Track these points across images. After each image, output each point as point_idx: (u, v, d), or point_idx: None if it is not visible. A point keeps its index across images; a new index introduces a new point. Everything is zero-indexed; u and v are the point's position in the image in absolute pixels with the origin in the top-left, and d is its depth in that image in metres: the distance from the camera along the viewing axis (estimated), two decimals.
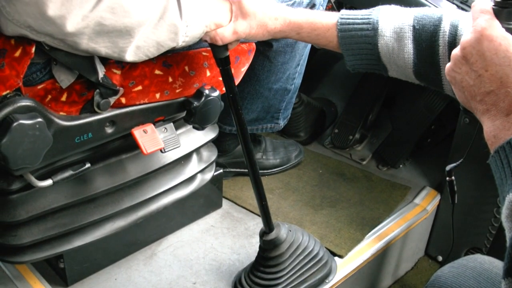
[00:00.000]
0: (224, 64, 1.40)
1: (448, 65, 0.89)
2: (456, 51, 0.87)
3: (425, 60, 1.21)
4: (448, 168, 1.42)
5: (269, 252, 1.63)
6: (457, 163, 1.38)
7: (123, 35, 1.14)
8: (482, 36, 0.82)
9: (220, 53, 1.38)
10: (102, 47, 1.14)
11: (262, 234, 1.63)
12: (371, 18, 1.26)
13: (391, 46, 1.24)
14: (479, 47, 0.82)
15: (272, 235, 1.62)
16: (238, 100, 1.46)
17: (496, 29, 0.82)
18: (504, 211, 0.76)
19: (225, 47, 1.36)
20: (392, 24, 1.23)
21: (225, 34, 1.31)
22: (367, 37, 1.26)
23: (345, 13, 1.29)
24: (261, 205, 1.59)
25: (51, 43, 1.13)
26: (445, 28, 1.17)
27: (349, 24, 1.27)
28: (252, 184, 1.57)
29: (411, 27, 1.21)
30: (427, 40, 1.20)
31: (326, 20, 1.29)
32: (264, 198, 1.59)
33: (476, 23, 0.83)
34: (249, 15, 1.31)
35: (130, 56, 1.20)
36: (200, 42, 1.37)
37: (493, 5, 0.85)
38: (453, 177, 1.47)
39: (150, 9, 1.15)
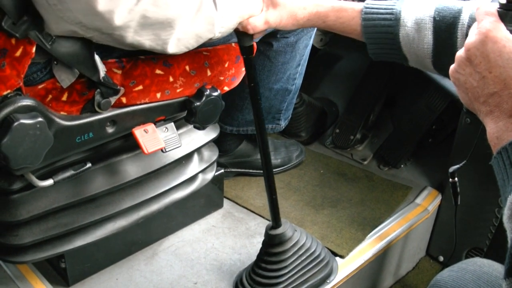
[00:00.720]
0: (248, 53, 1.42)
1: (452, 66, 0.89)
2: (460, 53, 0.87)
3: (443, 51, 1.23)
4: (451, 169, 1.43)
5: (273, 247, 1.63)
6: (460, 164, 1.38)
7: (165, 27, 1.19)
8: (487, 38, 0.82)
9: (245, 42, 1.40)
10: (146, 40, 1.19)
11: (269, 229, 1.63)
12: (394, 9, 1.28)
13: (412, 36, 1.26)
14: (483, 48, 0.82)
15: (279, 231, 1.62)
16: (258, 90, 1.48)
17: (500, 31, 0.82)
18: (506, 212, 0.76)
19: (251, 36, 1.38)
20: (414, 15, 1.25)
21: (257, 23, 1.34)
22: (389, 27, 1.28)
23: (369, 2, 1.31)
24: (271, 199, 1.59)
25: (99, 38, 1.17)
26: (464, 20, 1.18)
27: (373, 13, 1.29)
28: (264, 178, 1.57)
29: (432, 18, 1.23)
30: (446, 31, 1.21)
31: (351, 9, 1.32)
32: (275, 192, 1.59)
33: (481, 25, 0.83)
34: (279, 4, 1.34)
35: (172, 48, 1.25)
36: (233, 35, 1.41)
37: (498, 8, 0.85)
38: (456, 179, 1.47)
39: (188, 1, 1.20)
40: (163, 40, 1.21)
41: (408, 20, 1.25)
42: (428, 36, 1.23)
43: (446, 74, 1.26)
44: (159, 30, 1.19)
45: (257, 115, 1.50)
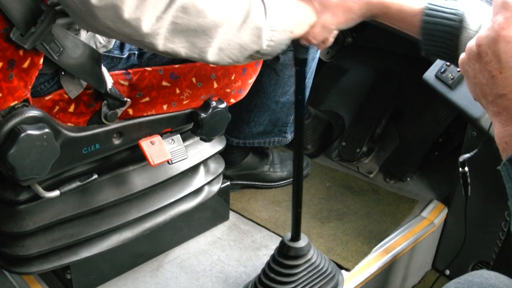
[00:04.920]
0: (301, 65, 1.40)
1: (462, 57, 0.85)
2: (471, 45, 0.83)
3: None
4: (461, 159, 1.39)
5: (287, 259, 1.62)
6: (471, 153, 1.35)
7: (199, 35, 1.13)
8: (499, 37, 0.77)
9: (300, 54, 1.37)
10: (181, 48, 1.14)
11: (288, 240, 1.62)
12: (458, 10, 1.21)
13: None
14: (495, 47, 0.78)
15: (298, 244, 1.61)
16: (304, 103, 1.46)
17: None
18: None
19: (307, 48, 1.35)
20: (479, 19, 1.19)
21: (316, 31, 1.28)
22: (451, 27, 1.21)
23: (432, 1, 1.25)
24: (296, 212, 1.59)
25: (132, 44, 1.17)
26: None
27: (436, 10, 1.23)
28: (292, 192, 1.57)
29: None
30: None
31: (414, 5, 1.25)
32: (300, 205, 1.58)
33: (495, 19, 0.79)
34: (330, 4, 1.27)
35: (212, 57, 1.18)
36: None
37: None
38: (466, 169, 1.43)
39: (229, 11, 1.14)
40: (200, 49, 1.16)
41: (471, 23, 1.19)
42: None
43: None
44: (193, 38, 1.13)
45: (298, 129, 1.49)
